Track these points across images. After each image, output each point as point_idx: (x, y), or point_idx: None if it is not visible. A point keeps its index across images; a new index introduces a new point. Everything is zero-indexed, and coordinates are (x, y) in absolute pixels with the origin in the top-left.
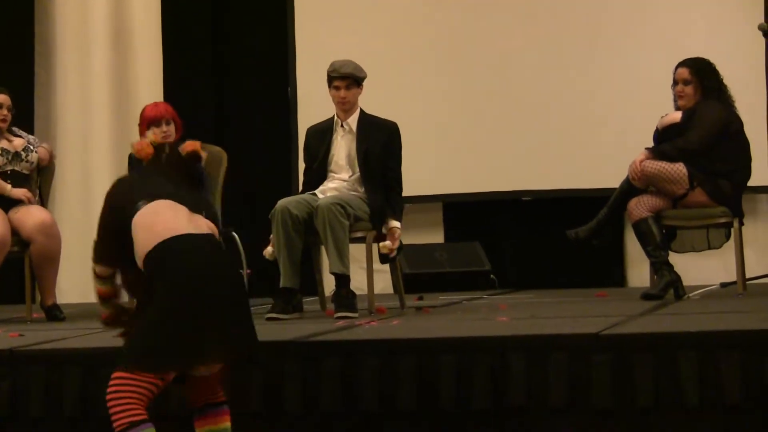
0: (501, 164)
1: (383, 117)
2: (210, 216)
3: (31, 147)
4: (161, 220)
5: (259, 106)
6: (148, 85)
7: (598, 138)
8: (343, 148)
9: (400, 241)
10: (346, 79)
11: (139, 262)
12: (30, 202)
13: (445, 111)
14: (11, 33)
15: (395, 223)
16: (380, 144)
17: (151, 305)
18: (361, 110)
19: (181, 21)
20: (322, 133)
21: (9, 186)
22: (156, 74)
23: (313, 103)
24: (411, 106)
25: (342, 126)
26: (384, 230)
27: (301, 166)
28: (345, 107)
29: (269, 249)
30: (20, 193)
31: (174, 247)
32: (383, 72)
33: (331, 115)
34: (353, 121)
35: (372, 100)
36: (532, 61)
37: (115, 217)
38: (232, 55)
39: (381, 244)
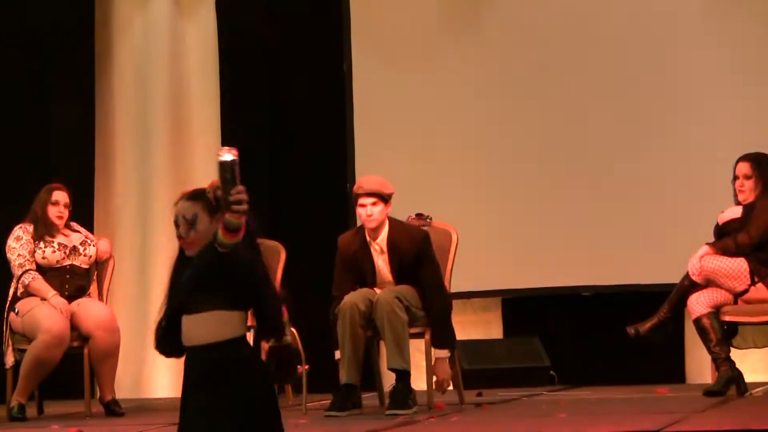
0: (560, 259)
1: (439, 213)
2: None
3: (89, 241)
4: None
5: (314, 205)
6: (207, 176)
7: (658, 233)
8: (378, 267)
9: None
10: (372, 197)
11: None
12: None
13: (504, 205)
14: (72, 129)
15: (440, 354)
16: (412, 258)
17: None
18: (389, 224)
19: (239, 112)
20: (358, 253)
21: (51, 293)
22: (215, 166)
23: None
24: (469, 201)
25: (374, 247)
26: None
27: None
28: (372, 225)
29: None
30: (59, 303)
31: None
32: (440, 167)
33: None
34: (383, 240)
35: (428, 191)
36: (593, 155)
37: None
38: (290, 158)
39: (434, 381)
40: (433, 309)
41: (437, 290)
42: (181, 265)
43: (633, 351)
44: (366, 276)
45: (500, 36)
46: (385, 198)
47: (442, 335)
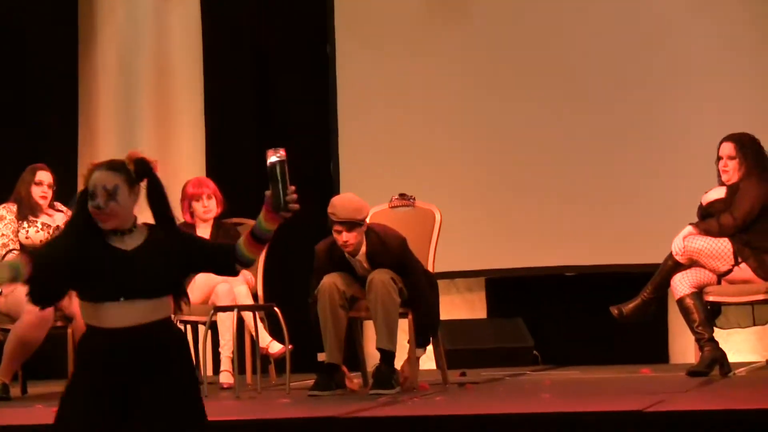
0: (544, 239)
1: (423, 194)
2: None
3: None
4: None
5: (303, 187)
6: (192, 162)
7: (641, 213)
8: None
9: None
10: (344, 224)
11: None
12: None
13: (488, 185)
14: (57, 114)
15: (418, 353)
16: (394, 268)
17: None
18: (367, 239)
19: (225, 98)
20: (335, 260)
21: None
22: (199, 151)
23: (357, 177)
24: (453, 181)
25: (355, 266)
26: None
27: None
28: (349, 249)
29: None
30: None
31: None
32: (424, 148)
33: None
34: (362, 257)
35: (414, 177)
36: (576, 135)
37: None
38: (277, 134)
39: (402, 377)
40: (419, 314)
41: (422, 296)
42: (84, 237)
43: (616, 331)
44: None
45: (488, 17)
46: (359, 223)
47: (424, 337)
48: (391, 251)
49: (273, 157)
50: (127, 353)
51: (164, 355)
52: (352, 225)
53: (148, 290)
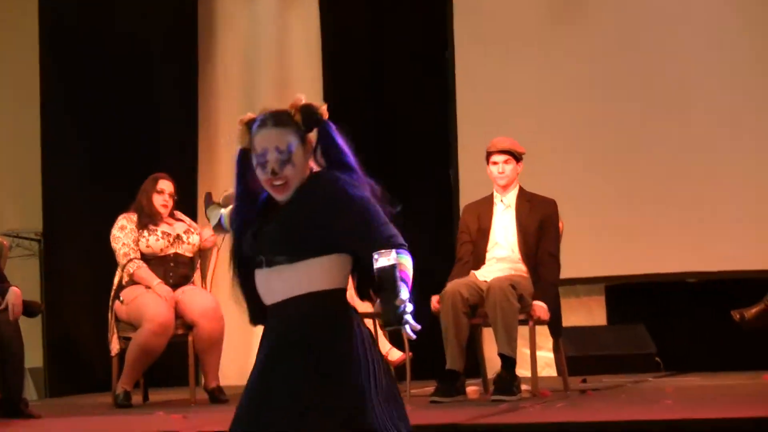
0: (666, 245)
1: (543, 195)
2: None
3: (192, 230)
4: None
5: (420, 186)
6: None
7: (765, 218)
8: (501, 225)
9: (557, 322)
10: (504, 154)
11: None
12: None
13: (608, 190)
14: (177, 126)
15: (537, 304)
16: (537, 221)
17: None
18: (521, 187)
19: (343, 103)
20: (480, 209)
21: (156, 281)
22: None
23: (477, 183)
24: (572, 185)
25: (501, 201)
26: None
27: None
28: (503, 182)
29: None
30: (164, 291)
31: None
32: (543, 148)
33: (490, 192)
34: (512, 197)
35: (532, 177)
36: (698, 138)
37: None
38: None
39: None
40: (545, 273)
41: (553, 258)
42: (256, 216)
43: (739, 337)
44: (485, 233)
45: (604, 25)
46: (517, 156)
47: (545, 294)
48: (547, 204)
49: (383, 260)
50: None
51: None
52: (509, 157)
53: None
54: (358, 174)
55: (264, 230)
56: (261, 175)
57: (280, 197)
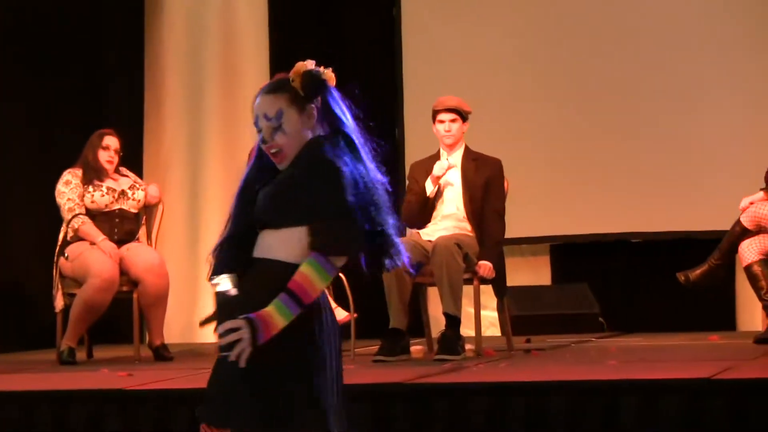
0: (610, 205)
1: (489, 154)
2: None
3: (138, 186)
4: None
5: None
6: None
7: (709, 179)
8: (450, 181)
9: (502, 281)
10: (451, 113)
11: None
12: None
13: (553, 151)
14: (122, 77)
15: (483, 263)
16: (483, 180)
17: None
18: (466, 146)
19: (289, 56)
20: (428, 166)
21: (101, 237)
22: None
23: (423, 139)
24: (518, 146)
25: (447, 159)
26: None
27: None
28: (449, 141)
29: None
30: (108, 247)
31: None
32: (490, 109)
33: (435, 151)
34: (458, 156)
35: (478, 138)
36: (644, 101)
37: None
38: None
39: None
40: (491, 231)
41: (499, 216)
42: (255, 177)
43: (683, 298)
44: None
45: None
46: (463, 115)
47: (490, 253)
48: (492, 163)
49: (224, 284)
50: None
51: None
52: (456, 116)
53: None
54: (358, 141)
55: (259, 195)
56: (260, 143)
57: (279, 165)
